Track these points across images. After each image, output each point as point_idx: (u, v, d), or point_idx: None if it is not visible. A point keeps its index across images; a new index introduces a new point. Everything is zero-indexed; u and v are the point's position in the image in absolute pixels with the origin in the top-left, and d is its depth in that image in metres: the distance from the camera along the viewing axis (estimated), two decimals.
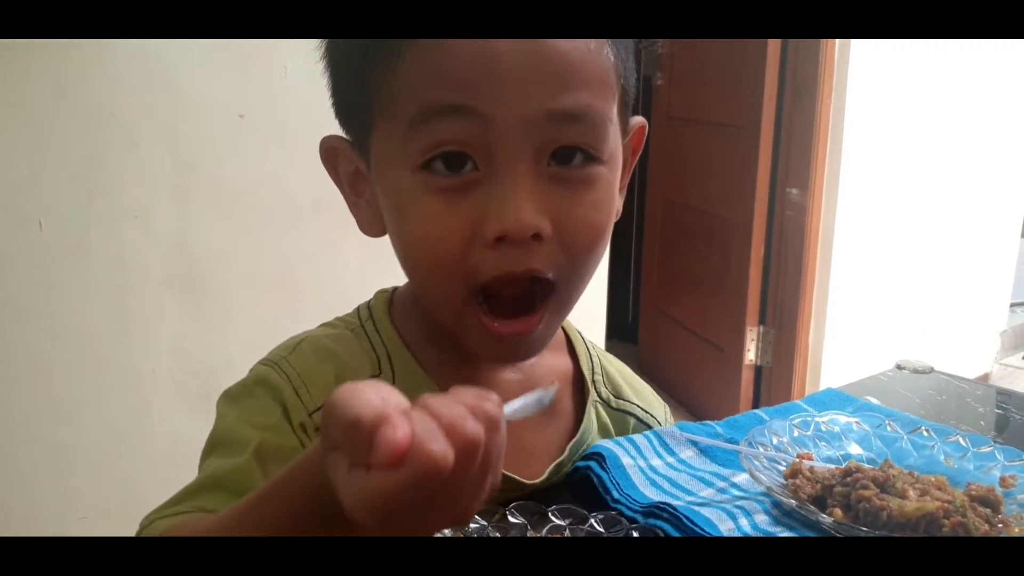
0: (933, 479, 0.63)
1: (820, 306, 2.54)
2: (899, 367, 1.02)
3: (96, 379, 1.44)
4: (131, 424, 1.49)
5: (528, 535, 0.58)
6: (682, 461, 0.71)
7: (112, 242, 1.41)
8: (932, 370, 1.02)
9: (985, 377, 3.07)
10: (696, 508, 0.61)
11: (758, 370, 2.68)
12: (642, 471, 0.68)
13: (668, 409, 0.81)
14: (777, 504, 0.63)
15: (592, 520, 0.60)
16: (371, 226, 0.64)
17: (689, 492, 0.66)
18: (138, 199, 1.42)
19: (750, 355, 2.64)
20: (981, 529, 0.58)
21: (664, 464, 0.70)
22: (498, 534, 0.58)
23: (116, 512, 1.43)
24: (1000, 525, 0.59)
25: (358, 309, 0.70)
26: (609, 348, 0.82)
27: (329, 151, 0.65)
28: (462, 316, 0.59)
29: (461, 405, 0.38)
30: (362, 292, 0.73)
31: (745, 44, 2.51)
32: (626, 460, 0.68)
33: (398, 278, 0.66)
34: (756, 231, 2.56)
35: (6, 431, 1.38)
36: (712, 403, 2.72)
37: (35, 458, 1.41)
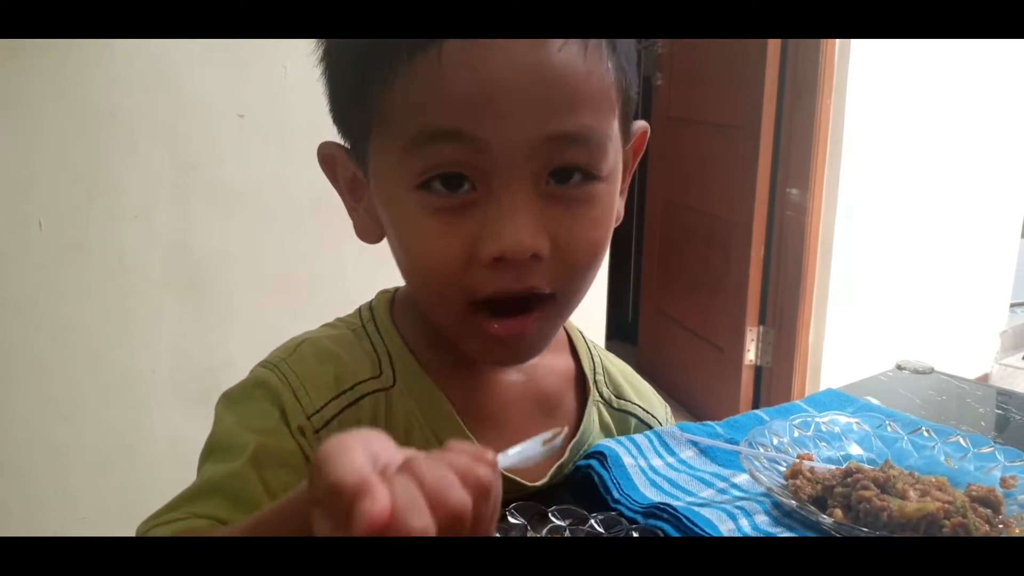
0: (934, 480, 0.63)
1: (820, 306, 2.54)
2: (899, 367, 1.02)
3: (96, 379, 1.44)
4: (131, 424, 1.48)
5: (528, 535, 0.58)
6: (682, 461, 0.71)
7: (112, 242, 1.41)
8: (932, 370, 1.02)
9: (985, 377, 3.07)
10: (696, 508, 0.61)
11: (758, 370, 2.68)
12: (643, 471, 0.68)
13: (669, 409, 0.81)
14: (777, 505, 0.63)
15: (592, 520, 0.60)
16: (368, 233, 0.64)
17: (689, 492, 0.66)
18: (138, 199, 1.42)
19: (750, 355, 2.64)
20: (982, 530, 0.57)
21: (664, 464, 0.70)
22: (498, 534, 0.58)
23: (116, 512, 1.43)
24: (1001, 526, 0.59)
25: (360, 309, 0.70)
26: (609, 348, 0.82)
27: (327, 157, 0.64)
28: (460, 324, 0.59)
29: (450, 471, 0.36)
30: (362, 292, 0.72)
31: (745, 44, 2.51)
32: (628, 460, 0.68)
33: (398, 279, 0.65)
34: (756, 231, 2.56)
35: (6, 431, 1.37)
36: (712, 403, 2.72)
37: (35, 458, 1.41)
